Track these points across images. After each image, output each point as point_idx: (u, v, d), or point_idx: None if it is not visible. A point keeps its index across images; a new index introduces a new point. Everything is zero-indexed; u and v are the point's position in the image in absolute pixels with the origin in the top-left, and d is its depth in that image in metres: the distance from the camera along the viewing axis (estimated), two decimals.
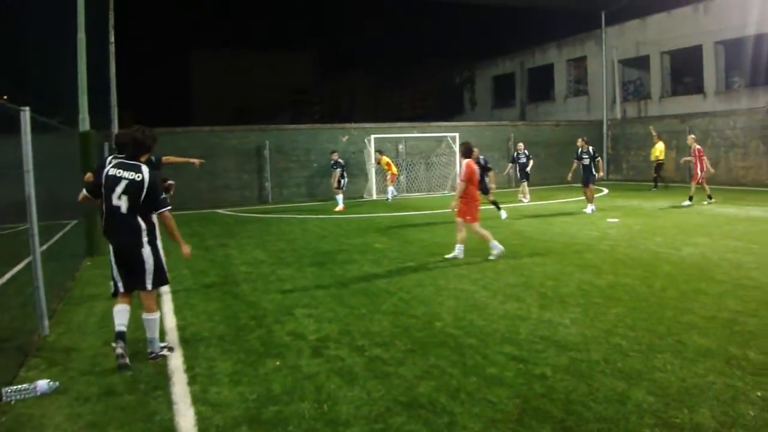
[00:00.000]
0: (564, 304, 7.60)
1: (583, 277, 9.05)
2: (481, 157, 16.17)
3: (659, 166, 25.27)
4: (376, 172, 24.75)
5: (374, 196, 24.62)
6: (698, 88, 30.05)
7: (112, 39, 21.03)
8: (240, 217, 19.64)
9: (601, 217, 16.13)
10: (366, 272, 9.94)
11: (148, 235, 5.97)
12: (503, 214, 16.28)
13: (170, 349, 6.29)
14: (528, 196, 21.23)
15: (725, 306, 7.29)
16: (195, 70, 70.99)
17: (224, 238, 14.75)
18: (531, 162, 21.32)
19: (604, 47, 33.10)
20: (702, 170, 18.48)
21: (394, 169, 23.45)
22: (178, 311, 7.89)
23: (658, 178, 25.25)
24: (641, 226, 14.44)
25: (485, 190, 15.69)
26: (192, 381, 5.48)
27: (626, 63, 34.18)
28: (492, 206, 16.51)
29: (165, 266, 6.15)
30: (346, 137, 25.72)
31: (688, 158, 19.32)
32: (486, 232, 10.91)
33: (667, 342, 6.08)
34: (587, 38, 35.64)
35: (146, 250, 5.95)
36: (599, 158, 17.89)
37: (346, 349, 6.17)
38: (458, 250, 10.89)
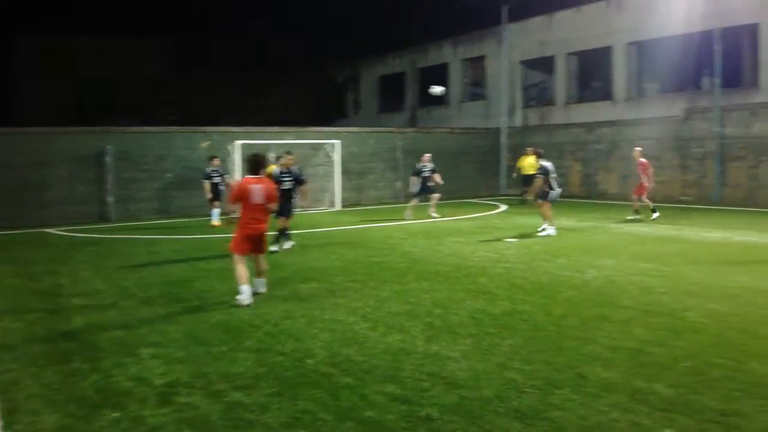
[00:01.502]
0: (454, 335, 7.80)
1: (475, 305, 9.34)
2: (295, 167, 15.16)
3: (528, 179, 26.72)
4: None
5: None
6: (607, 94, 31.66)
7: None
8: (75, 238, 18.89)
9: (498, 237, 16.72)
10: (227, 303, 9.81)
11: None
12: (277, 247, 14.76)
13: None
14: (409, 212, 21.73)
15: (631, 334, 7.72)
16: (20, 59, 67.87)
17: (54, 264, 14.13)
18: (437, 176, 21.94)
19: (505, 46, 34.34)
20: (648, 184, 20.23)
21: None
22: None
23: (526, 193, 26.61)
24: (542, 246, 15.06)
25: (287, 212, 14.68)
26: None
27: (529, 64, 35.48)
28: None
29: None
30: (207, 143, 25.32)
31: (643, 177, 20.56)
32: (243, 273, 9.85)
33: (566, 376, 6.36)
34: (487, 36, 36.71)
35: None
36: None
37: (201, 395, 6.08)
38: (244, 293, 9.76)
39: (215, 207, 20.62)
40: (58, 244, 17.60)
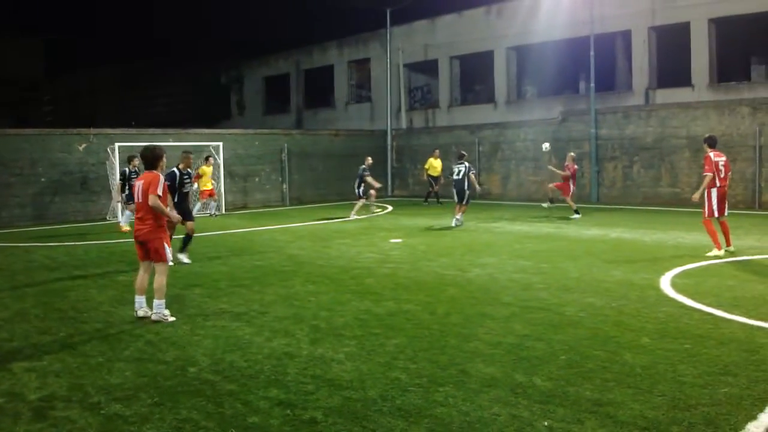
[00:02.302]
0: (339, 337, 7.85)
1: (360, 305, 9.43)
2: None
3: (436, 179, 27.49)
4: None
5: (121, 218, 23.55)
6: (489, 97, 32.49)
7: None
8: None
9: (384, 238, 16.92)
10: (106, 311, 9.55)
11: None
12: (185, 257, 13.70)
13: None
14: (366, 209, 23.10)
15: (512, 330, 7.95)
16: None
17: None
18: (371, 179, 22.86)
19: (389, 49, 34.68)
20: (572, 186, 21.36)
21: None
22: None
23: (433, 193, 27.67)
24: (426, 246, 15.33)
25: (190, 215, 13.59)
26: None
27: (413, 68, 36.06)
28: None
29: None
30: (84, 145, 24.50)
31: (559, 171, 21.82)
32: (137, 281, 9.36)
33: (449, 373, 6.50)
34: (371, 38, 37.08)
35: None
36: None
37: (77, 408, 5.89)
38: (135, 303, 9.29)
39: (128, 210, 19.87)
40: None
